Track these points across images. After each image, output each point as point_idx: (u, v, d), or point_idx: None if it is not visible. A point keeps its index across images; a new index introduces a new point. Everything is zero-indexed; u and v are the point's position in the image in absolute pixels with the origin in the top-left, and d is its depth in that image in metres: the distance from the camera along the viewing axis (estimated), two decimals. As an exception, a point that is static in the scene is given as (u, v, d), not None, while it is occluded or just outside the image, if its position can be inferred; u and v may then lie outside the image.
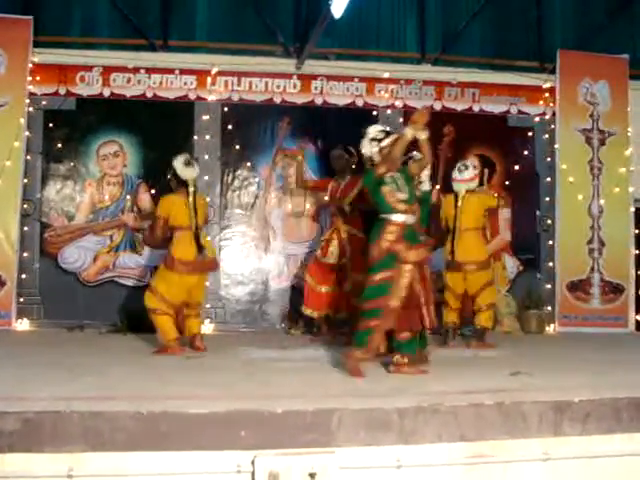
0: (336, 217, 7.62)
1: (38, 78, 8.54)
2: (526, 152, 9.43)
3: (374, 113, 9.14)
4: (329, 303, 7.58)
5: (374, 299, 5.22)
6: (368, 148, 5.50)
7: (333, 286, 7.57)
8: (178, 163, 6.52)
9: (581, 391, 4.41)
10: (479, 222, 7.30)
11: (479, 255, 7.26)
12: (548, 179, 9.29)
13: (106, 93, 8.69)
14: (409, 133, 5.35)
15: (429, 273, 5.63)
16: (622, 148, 9.40)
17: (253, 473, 3.71)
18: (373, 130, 5.58)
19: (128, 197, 8.74)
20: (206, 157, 8.78)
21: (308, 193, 8.89)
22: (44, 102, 8.61)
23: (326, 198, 7.77)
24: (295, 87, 9.03)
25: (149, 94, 8.77)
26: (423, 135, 5.42)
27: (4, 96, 8.32)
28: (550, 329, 9.01)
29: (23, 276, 8.39)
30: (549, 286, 9.21)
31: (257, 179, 8.97)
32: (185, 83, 8.83)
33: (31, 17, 8.42)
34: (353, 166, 7.51)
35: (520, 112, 9.46)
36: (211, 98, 8.86)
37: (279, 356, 6.42)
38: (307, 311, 7.64)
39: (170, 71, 8.79)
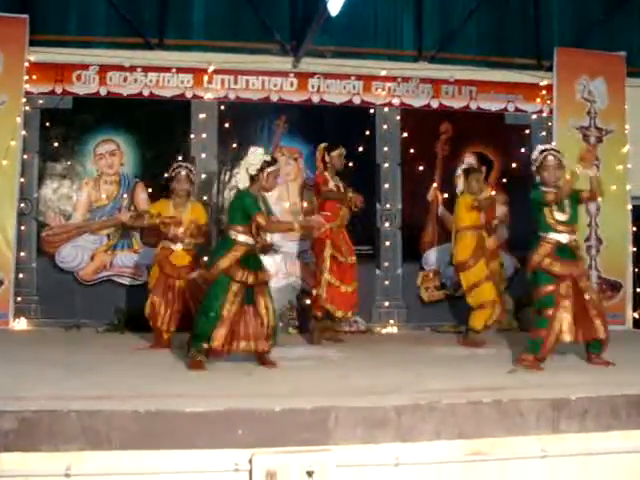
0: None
1: (34, 77, 8.51)
2: (523, 150, 9.42)
3: (371, 111, 9.15)
4: (356, 302, 7.60)
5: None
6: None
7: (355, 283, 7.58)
8: None
9: (579, 388, 4.42)
10: (462, 222, 7.26)
11: (457, 256, 7.30)
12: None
13: (103, 92, 8.68)
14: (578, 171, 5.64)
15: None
16: (619, 145, 9.40)
17: (251, 471, 3.71)
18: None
19: (125, 196, 8.73)
20: (203, 156, 8.78)
21: (305, 190, 8.90)
22: (41, 101, 8.59)
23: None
24: (292, 85, 9.02)
25: (146, 92, 8.76)
26: (591, 173, 5.83)
27: (0, 95, 8.29)
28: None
29: (20, 275, 8.37)
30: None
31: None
32: (182, 81, 8.82)
33: (27, 16, 8.40)
34: None
35: (517, 109, 9.47)
36: (208, 96, 8.85)
37: (276, 354, 6.41)
38: (338, 313, 7.43)
39: (167, 69, 8.78)
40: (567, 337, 5.57)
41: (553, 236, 5.68)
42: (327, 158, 7.45)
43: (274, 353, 6.41)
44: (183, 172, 6.96)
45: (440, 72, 9.33)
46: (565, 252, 5.68)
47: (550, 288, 5.60)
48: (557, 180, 5.67)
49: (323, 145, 7.58)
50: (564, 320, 5.54)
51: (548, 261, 5.63)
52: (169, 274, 6.79)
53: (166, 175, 7.18)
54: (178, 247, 6.86)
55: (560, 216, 5.68)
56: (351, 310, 7.56)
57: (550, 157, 5.72)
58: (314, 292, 7.45)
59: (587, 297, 5.67)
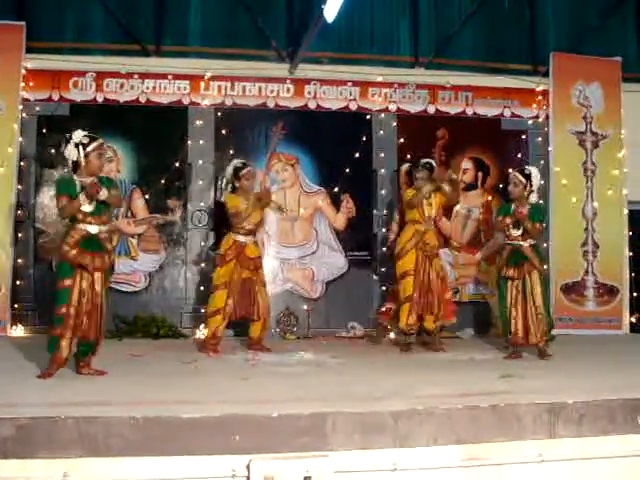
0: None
1: (31, 84, 8.52)
2: (520, 155, 9.45)
3: (367, 117, 9.16)
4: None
5: None
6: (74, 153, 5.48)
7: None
8: None
9: (575, 393, 4.42)
10: (406, 216, 7.54)
11: (396, 247, 7.53)
12: (542, 182, 9.27)
13: (99, 99, 8.68)
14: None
15: None
16: (615, 150, 9.43)
17: (248, 477, 3.71)
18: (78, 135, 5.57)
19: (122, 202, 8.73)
20: (200, 162, 8.79)
21: (302, 196, 8.93)
22: (37, 108, 8.59)
23: None
24: (288, 91, 9.04)
25: (142, 99, 8.77)
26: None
27: (-3, 102, 8.32)
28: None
29: (17, 282, 8.36)
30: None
31: (251, 183, 8.96)
32: (178, 88, 8.83)
33: (24, 22, 8.39)
34: None
35: (513, 115, 9.49)
36: (205, 103, 8.86)
37: (274, 360, 6.42)
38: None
39: (163, 76, 8.79)
40: None
41: None
42: (412, 177, 7.66)
43: (271, 359, 6.43)
44: (252, 170, 7.21)
45: (436, 78, 9.35)
46: None
47: None
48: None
49: (405, 167, 7.94)
50: None
51: None
52: (247, 267, 7.02)
53: (229, 172, 7.21)
54: (249, 240, 7.10)
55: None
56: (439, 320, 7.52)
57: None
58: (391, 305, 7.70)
59: None
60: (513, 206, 6.67)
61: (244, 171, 7.08)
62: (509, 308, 6.57)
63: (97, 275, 5.31)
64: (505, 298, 6.63)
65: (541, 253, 6.97)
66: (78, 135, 5.47)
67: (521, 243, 6.63)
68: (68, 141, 5.44)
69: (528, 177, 6.70)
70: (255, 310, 7.03)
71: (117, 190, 5.77)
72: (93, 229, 5.35)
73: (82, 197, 5.28)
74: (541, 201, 6.73)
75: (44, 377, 5.12)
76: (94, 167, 5.45)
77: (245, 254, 7.01)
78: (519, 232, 6.64)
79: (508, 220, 6.66)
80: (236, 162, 7.24)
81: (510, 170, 6.97)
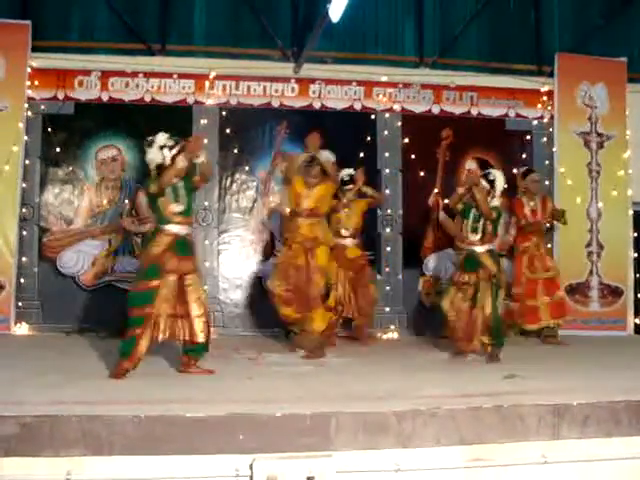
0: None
1: (37, 83, 8.54)
2: (524, 155, 9.44)
3: (372, 117, 9.16)
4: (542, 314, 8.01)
5: None
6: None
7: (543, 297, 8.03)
8: None
9: (580, 394, 4.41)
10: None
11: None
12: (546, 182, 9.28)
13: (104, 97, 8.71)
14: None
15: None
16: (620, 151, 9.41)
17: (251, 477, 3.71)
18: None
19: (127, 201, 8.74)
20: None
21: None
22: (43, 107, 8.61)
23: None
24: (293, 91, 9.04)
25: (147, 98, 8.78)
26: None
27: (3, 101, 8.32)
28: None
29: (22, 280, 8.38)
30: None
31: (255, 183, 8.98)
32: (183, 87, 8.84)
33: (29, 22, 8.43)
34: None
35: (518, 115, 9.49)
36: (209, 102, 8.87)
37: (278, 360, 6.42)
38: (528, 327, 8.06)
39: (168, 75, 8.80)
40: None
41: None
42: (521, 183, 8.14)
43: (275, 359, 6.44)
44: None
45: (441, 78, 9.35)
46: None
47: None
48: None
49: (522, 170, 8.29)
50: None
51: None
52: (348, 268, 7.51)
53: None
54: (348, 242, 7.65)
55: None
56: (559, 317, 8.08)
57: None
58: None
59: None
60: (473, 210, 6.56)
61: None
62: (449, 311, 6.50)
63: (190, 277, 5.40)
64: (446, 300, 6.54)
65: (498, 259, 6.76)
66: (162, 138, 5.51)
67: (477, 248, 6.50)
68: (150, 144, 5.50)
69: (492, 183, 6.57)
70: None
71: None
72: (181, 230, 5.39)
73: (181, 158, 5.38)
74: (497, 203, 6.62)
75: (117, 377, 5.13)
76: (180, 169, 5.46)
77: (346, 256, 7.50)
78: (477, 237, 6.51)
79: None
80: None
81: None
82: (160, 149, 5.45)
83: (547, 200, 8.30)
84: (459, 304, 6.46)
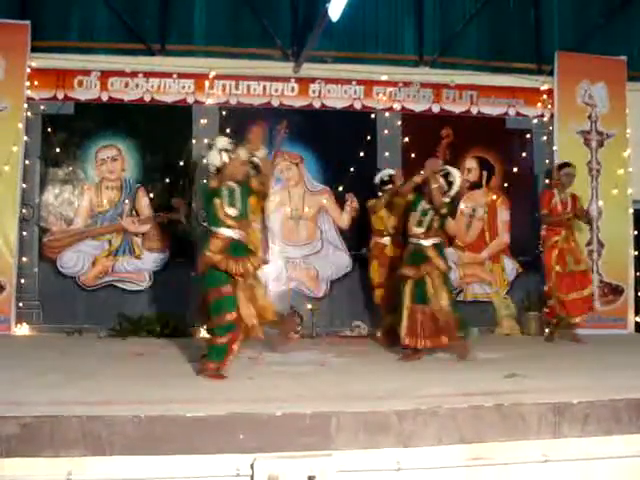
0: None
1: (36, 83, 8.54)
2: (524, 154, 9.44)
3: (372, 116, 9.16)
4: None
5: None
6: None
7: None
8: None
9: (580, 393, 4.41)
10: None
11: None
12: (547, 181, 9.28)
13: (104, 97, 8.71)
14: None
15: None
16: (620, 149, 9.41)
17: (252, 476, 3.70)
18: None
19: (127, 201, 8.74)
20: (204, 161, 8.76)
21: (306, 195, 8.95)
22: (42, 107, 8.62)
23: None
24: (293, 90, 9.04)
25: (147, 98, 8.78)
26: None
27: (2, 101, 8.32)
28: (549, 331, 8.99)
29: (22, 281, 8.39)
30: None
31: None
32: (183, 87, 8.84)
33: (29, 22, 8.43)
34: None
35: (518, 114, 9.48)
36: (209, 102, 8.87)
37: (279, 359, 6.42)
38: (574, 320, 8.05)
39: (168, 75, 8.81)
40: None
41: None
42: (556, 175, 8.19)
43: (276, 358, 6.43)
44: None
45: (441, 77, 9.35)
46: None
47: None
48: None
49: (557, 163, 8.41)
50: None
51: None
52: (386, 266, 7.52)
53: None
54: (386, 240, 7.69)
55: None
56: (583, 313, 8.09)
57: None
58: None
59: None
60: (423, 202, 6.52)
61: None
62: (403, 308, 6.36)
63: (250, 275, 5.45)
64: (403, 297, 6.39)
65: (444, 252, 6.68)
66: (222, 141, 5.58)
67: (422, 242, 6.43)
68: (210, 147, 5.57)
69: (450, 184, 6.49)
70: None
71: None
72: (234, 235, 5.39)
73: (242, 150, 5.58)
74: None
75: (212, 377, 5.17)
76: (238, 172, 5.52)
77: (385, 254, 7.61)
78: (421, 229, 6.45)
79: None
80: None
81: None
82: (219, 152, 5.50)
83: (576, 198, 8.22)
84: (406, 300, 6.33)
